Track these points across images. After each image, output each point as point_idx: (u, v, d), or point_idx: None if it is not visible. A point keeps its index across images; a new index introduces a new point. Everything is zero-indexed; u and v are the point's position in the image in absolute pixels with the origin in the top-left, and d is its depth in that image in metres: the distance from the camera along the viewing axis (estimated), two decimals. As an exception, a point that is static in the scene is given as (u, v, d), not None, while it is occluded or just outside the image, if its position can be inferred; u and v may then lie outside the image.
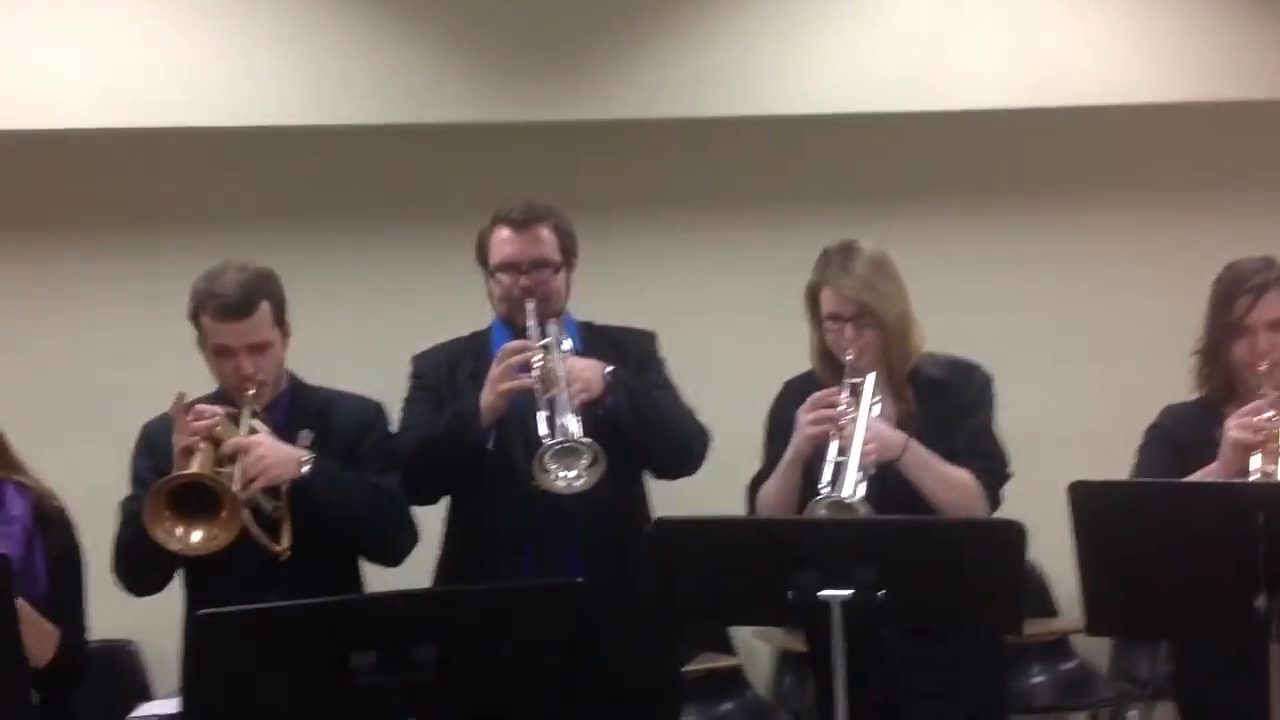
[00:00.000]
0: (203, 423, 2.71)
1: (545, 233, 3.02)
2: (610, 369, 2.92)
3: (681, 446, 3.04)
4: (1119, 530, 2.25)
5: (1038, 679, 4.48)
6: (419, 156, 4.34)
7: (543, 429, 2.78)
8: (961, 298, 4.27)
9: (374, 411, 3.02)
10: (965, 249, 4.59)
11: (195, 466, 2.65)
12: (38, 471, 2.80)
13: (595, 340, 3.12)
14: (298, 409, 2.95)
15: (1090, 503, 2.26)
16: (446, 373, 3.09)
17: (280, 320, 2.91)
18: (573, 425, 2.77)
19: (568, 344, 2.97)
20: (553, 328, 2.97)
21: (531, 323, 2.95)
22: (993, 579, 2.31)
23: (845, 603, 2.30)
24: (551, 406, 2.81)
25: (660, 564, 2.42)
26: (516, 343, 2.92)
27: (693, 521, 2.48)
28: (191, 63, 4.04)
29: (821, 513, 2.68)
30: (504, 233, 3.00)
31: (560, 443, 2.73)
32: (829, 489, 2.71)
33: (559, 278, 3.04)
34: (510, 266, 2.99)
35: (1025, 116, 4.48)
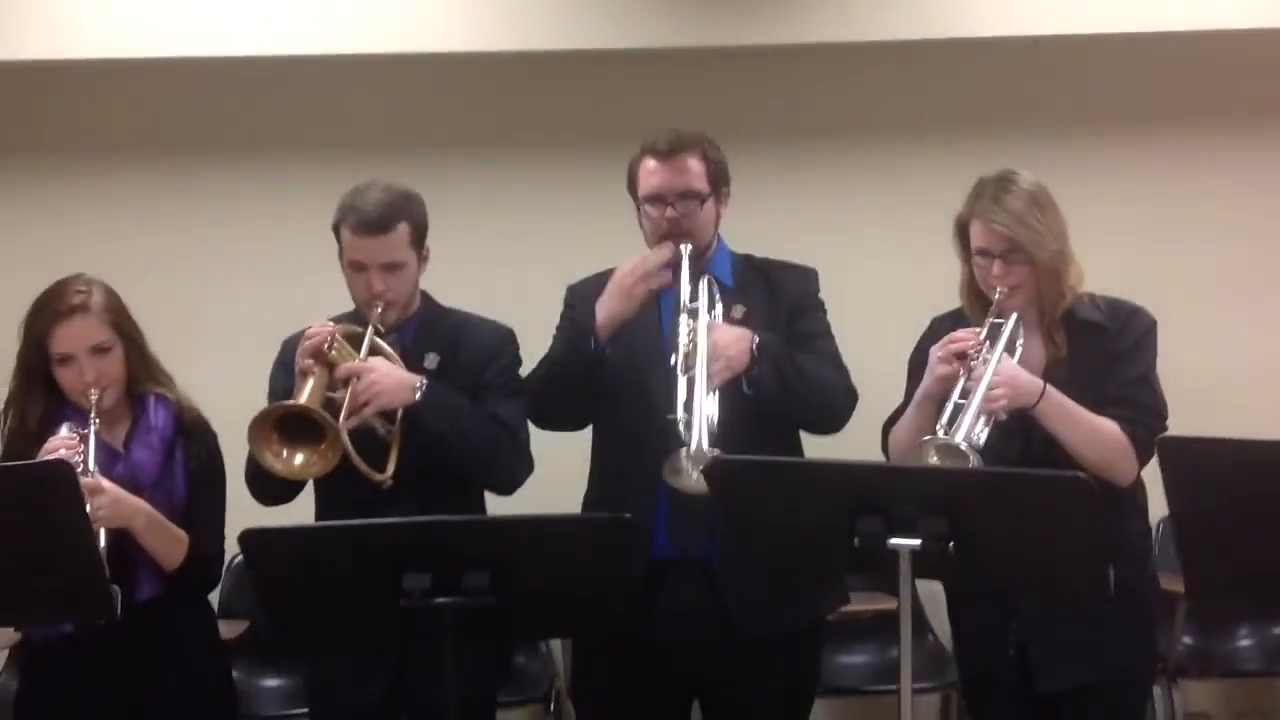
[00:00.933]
0: (310, 343, 2.77)
1: (692, 162, 2.95)
2: (757, 342, 2.83)
3: (824, 412, 2.96)
4: (1211, 493, 2.07)
5: (1244, 642, 4.21)
6: (574, 82, 4.32)
7: (680, 404, 2.74)
8: (1132, 234, 4.02)
9: (504, 337, 3.03)
10: (1138, 181, 4.32)
11: (308, 391, 2.73)
12: (186, 385, 2.95)
13: (751, 275, 3.06)
14: (428, 331, 2.98)
15: (1180, 460, 2.08)
16: (594, 304, 3.05)
17: (418, 243, 2.93)
18: (709, 408, 2.72)
19: (718, 310, 2.90)
20: (703, 291, 2.90)
21: (684, 281, 2.89)
22: (1069, 536, 2.16)
23: (915, 553, 2.20)
24: (690, 382, 2.76)
25: (725, 506, 2.37)
26: (647, 258, 2.88)
27: (749, 463, 2.42)
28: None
29: (931, 454, 2.60)
30: (650, 163, 2.95)
31: (690, 449, 2.67)
32: (942, 430, 2.62)
33: (707, 208, 2.97)
34: (656, 198, 2.94)
35: (1199, 40, 4.16)
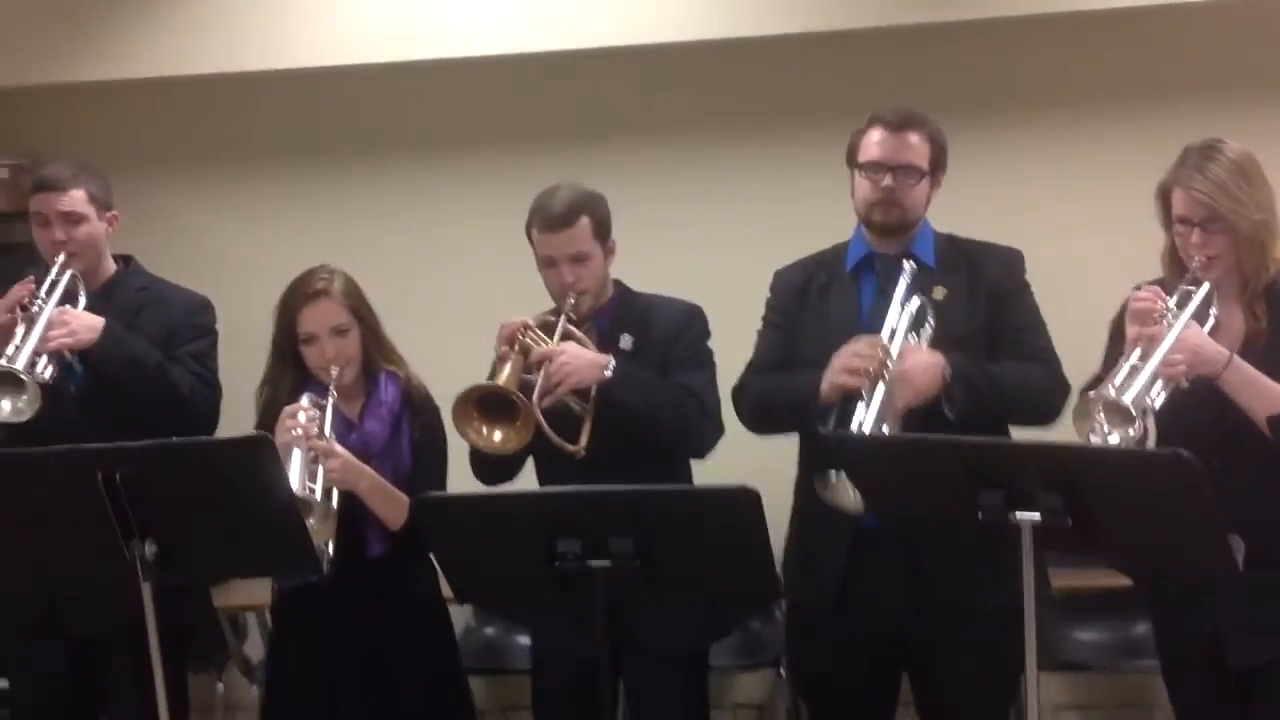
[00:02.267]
0: (505, 331, 3.03)
1: (916, 139, 3.04)
2: (949, 371, 2.87)
3: (1030, 415, 2.99)
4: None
5: None
6: (769, 66, 4.39)
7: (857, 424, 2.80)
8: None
9: (690, 314, 3.22)
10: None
11: (505, 374, 2.99)
12: (413, 364, 3.27)
13: (954, 255, 3.12)
14: (621, 316, 3.20)
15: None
16: (799, 291, 3.18)
17: (601, 236, 3.14)
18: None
19: (926, 332, 2.95)
20: (910, 310, 2.95)
21: (896, 299, 2.96)
22: (1179, 512, 2.16)
23: (1036, 527, 2.25)
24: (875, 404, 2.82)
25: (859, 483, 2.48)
26: (862, 343, 2.88)
27: (869, 438, 2.50)
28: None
29: (1098, 411, 2.60)
30: (876, 133, 3.05)
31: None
32: (1113, 389, 2.62)
33: (921, 187, 3.05)
34: (876, 165, 3.03)
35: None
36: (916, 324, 2.95)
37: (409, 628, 3.13)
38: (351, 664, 3.12)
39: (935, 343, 2.94)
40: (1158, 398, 2.62)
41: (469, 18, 4.31)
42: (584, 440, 3.00)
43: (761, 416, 3.13)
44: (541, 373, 2.97)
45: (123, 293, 3.38)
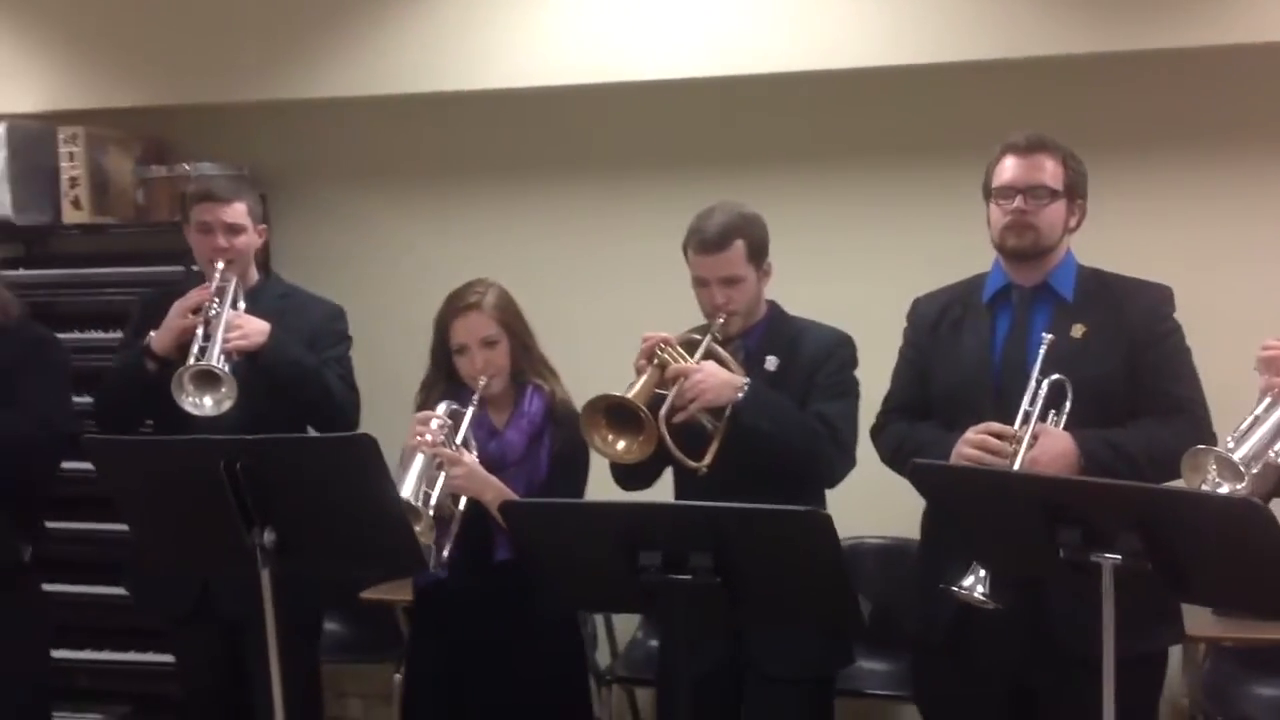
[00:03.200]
0: (645, 346, 3.10)
1: (1049, 163, 3.00)
2: (1082, 463, 2.81)
3: (1172, 477, 2.80)
4: None
5: None
6: (911, 96, 4.35)
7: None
8: None
9: (837, 341, 3.22)
10: None
11: (637, 388, 3.05)
12: (583, 379, 3.34)
13: (1097, 291, 3.05)
14: (770, 337, 3.23)
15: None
16: (933, 322, 3.17)
17: (756, 259, 3.18)
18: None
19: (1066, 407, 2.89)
20: (1044, 386, 2.89)
21: (1038, 365, 2.90)
22: (1254, 556, 2.05)
23: (1116, 567, 2.18)
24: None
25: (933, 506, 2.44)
26: (991, 432, 2.86)
27: (947, 469, 2.45)
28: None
29: (1210, 464, 2.50)
30: (1008, 159, 3.03)
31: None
32: (1232, 440, 2.54)
33: (1055, 209, 3.00)
34: (1007, 189, 3.01)
35: None
36: (1054, 402, 2.88)
37: (534, 633, 3.21)
38: (479, 664, 3.23)
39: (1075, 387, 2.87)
40: None
41: (653, 44, 4.38)
42: (709, 458, 3.03)
43: (896, 464, 3.10)
44: (675, 389, 3.02)
45: (265, 299, 3.62)
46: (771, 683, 3.11)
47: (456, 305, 3.29)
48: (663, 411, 3.01)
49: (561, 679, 3.30)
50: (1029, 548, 2.31)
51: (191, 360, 3.32)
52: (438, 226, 4.96)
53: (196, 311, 3.40)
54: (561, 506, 2.68)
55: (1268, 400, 2.57)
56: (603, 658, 4.48)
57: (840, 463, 3.11)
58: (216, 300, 3.42)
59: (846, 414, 3.15)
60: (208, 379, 3.30)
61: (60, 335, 3.73)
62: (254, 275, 3.70)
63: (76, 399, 3.67)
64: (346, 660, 4.64)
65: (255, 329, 3.41)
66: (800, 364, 3.18)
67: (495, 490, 3.12)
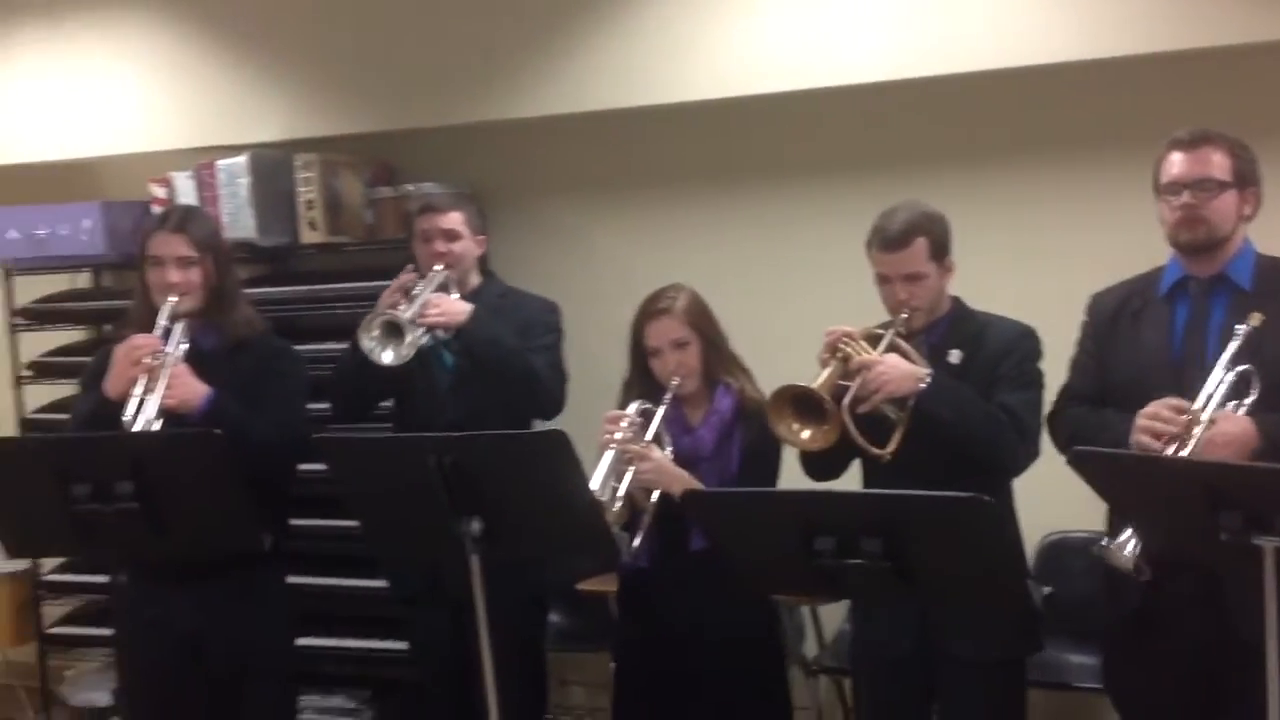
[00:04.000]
0: (828, 340, 3.23)
1: (1215, 155, 3.04)
2: (1260, 446, 2.81)
3: None
4: None
5: None
6: (1093, 90, 4.33)
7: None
8: None
9: (1021, 334, 3.30)
10: None
11: (822, 379, 3.18)
12: (760, 376, 3.53)
13: (1274, 278, 3.07)
14: (954, 331, 3.33)
15: None
16: (1112, 316, 3.23)
17: (938, 255, 3.28)
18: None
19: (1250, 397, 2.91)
20: (1229, 375, 2.92)
21: (1228, 354, 2.93)
22: None
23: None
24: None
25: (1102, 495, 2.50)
26: (1168, 406, 2.89)
27: (1107, 455, 2.50)
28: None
29: None
30: (1174, 155, 3.09)
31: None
32: None
33: (1224, 199, 3.04)
34: (1174, 184, 3.06)
35: None
36: (1239, 393, 2.90)
37: (731, 620, 3.37)
38: (680, 649, 3.41)
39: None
40: None
41: (848, 49, 4.49)
42: (892, 446, 3.15)
43: (1070, 448, 3.13)
44: (858, 380, 3.14)
45: (485, 298, 3.93)
46: (961, 666, 3.20)
47: (649, 310, 3.48)
48: (845, 401, 3.13)
49: (759, 667, 3.45)
50: (1190, 531, 2.36)
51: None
52: (641, 236, 5.18)
53: (404, 294, 3.70)
54: (738, 495, 2.85)
55: None
56: (811, 648, 4.61)
57: (1023, 452, 3.18)
58: (420, 285, 3.75)
59: (1030, 404, 3.22)
60: (394, 334, 3.62)
61: (301, 348, 4.05)
62: (474, 279, 4.00)
63: (315, 406, 3.99)
64: (568, 649, 4.88)
65: (454, 309, 3.73)
66: (984, 357, 3.26)
67: (684, 483, 3.30)
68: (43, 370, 5.55)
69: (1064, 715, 4.35)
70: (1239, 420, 2.85)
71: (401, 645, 4.48)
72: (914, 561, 2.54)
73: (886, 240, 3.27)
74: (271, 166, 5.19)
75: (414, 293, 3.74)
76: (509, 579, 3.56)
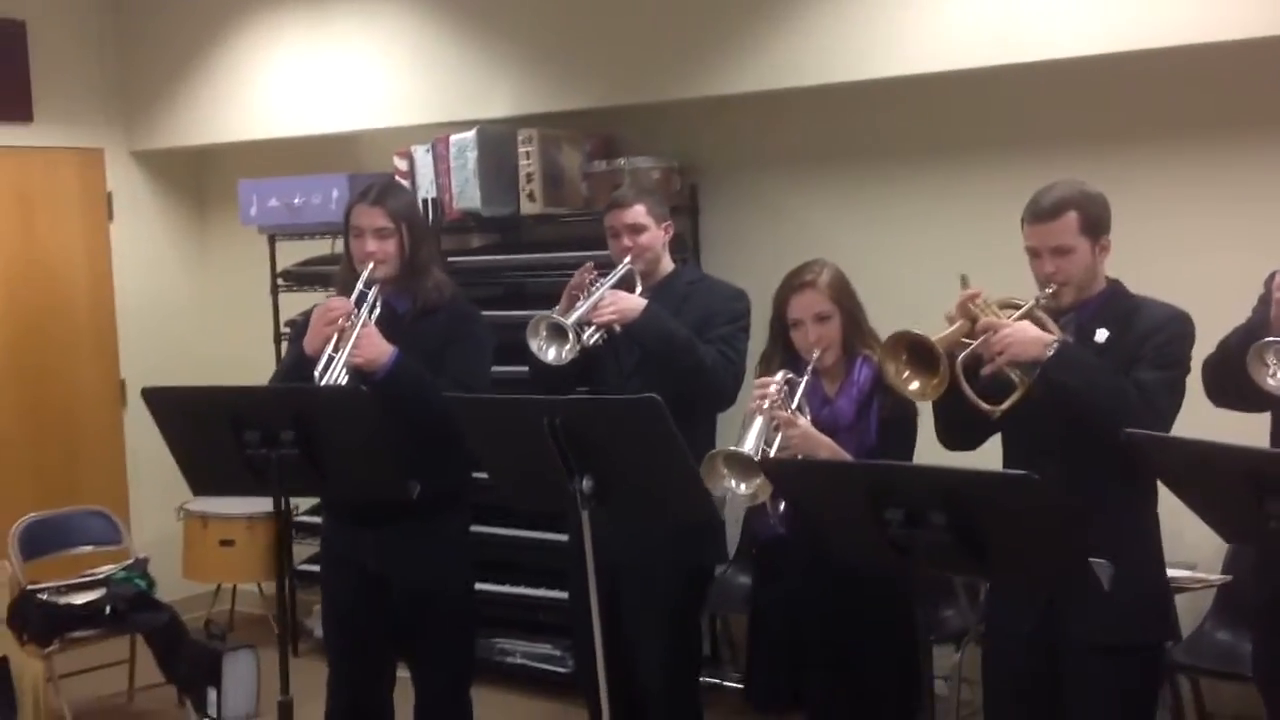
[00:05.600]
0: (959, 300, 3.24)
1: None
2: None
3: None
4: None
5: None
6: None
7: None
8: None
9: (1172, 317, 3.23)
10: None
11: (944, 333, 3.19)
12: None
13: None
14: (1105, 311, 3.27)
15: None
16: None
17: (1090, 232, 3.23)
18: None
19: None
20: None
21: None
22: None
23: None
24: None
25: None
26: None
27: (1156, 439, 2.45)
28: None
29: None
30: None
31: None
32: None
33: None
34: None
35: None
36: None
37: (861, 591, 3.42)
38: (813, 614, 3.50)
39: None
40: None
41: (1045, 23, 4.43)
42: (1005, 405, 3.14)
43: (1216, 365, 3.09)
44: (982, 339, 3.16)
45: (675, 285, 4.05)
46: (1082, 649, 3.18)
47: (793, 283, 3.58)
48: (961, 356, 3.15)
49: (889, 636, 3.51)
50: (1241, 517, 2.33)
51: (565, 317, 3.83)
52: (847, 211, 5.24)
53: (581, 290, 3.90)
54: (811, 465, 2.93)
55: None
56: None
57: (1151, 429, 3.11)
58: (600, 280, 3.91)
59: (1167, 383, 3.13)
60: (560, 334, 3.79)
61: (525, 313, 4.12)
62: (666, 265, 4.12)
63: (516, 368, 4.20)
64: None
65: (628, 306, 3.85)
66: (1132, 337, 3.20)
67: (829, 450, 3.38)
68: (301, 329, 6.05)
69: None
70: None
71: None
72: (979, 535, 2.57)
73: (1037, 212, 3.26)
74: (496, 141, 5.50)
75: (594, 288, 3.90)
76: (667, 546, 3.76)
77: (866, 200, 5.22)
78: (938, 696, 4.42)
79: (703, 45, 5.12)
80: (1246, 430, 3.06)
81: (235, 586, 6.53)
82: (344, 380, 3.68)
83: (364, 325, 3.77)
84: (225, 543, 6.09)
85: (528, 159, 5.43)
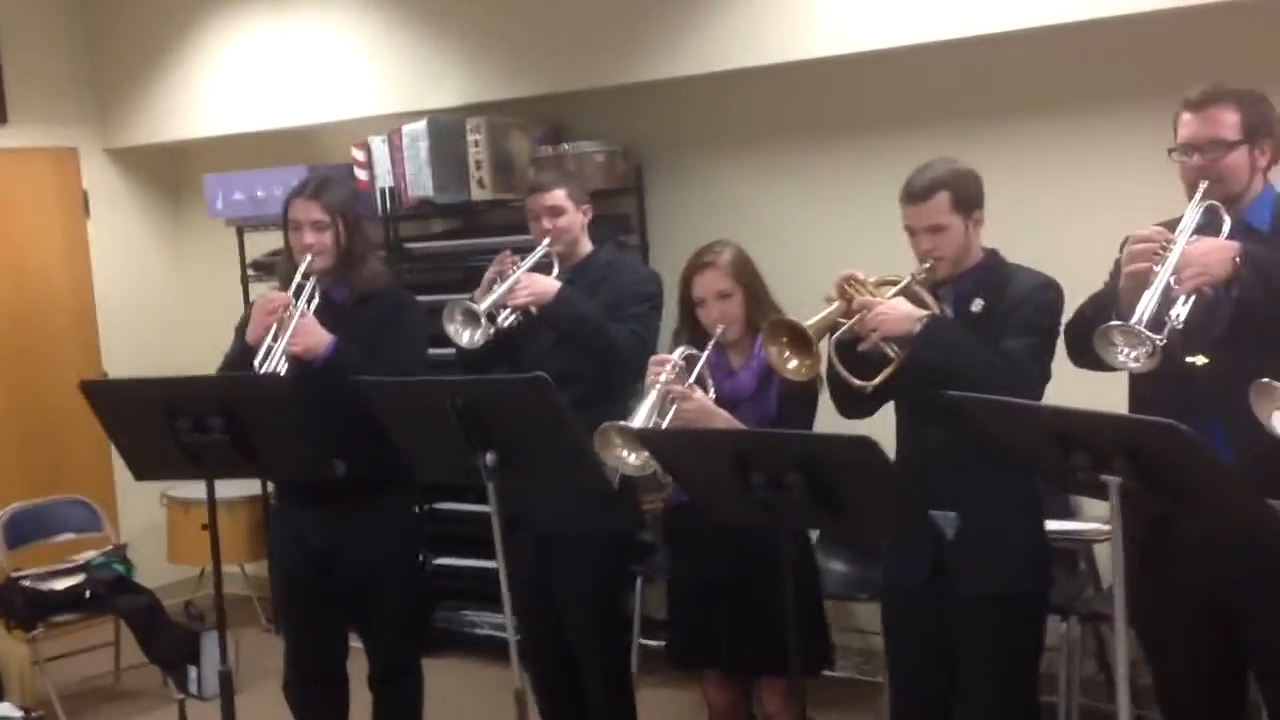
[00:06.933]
0: (836, 281, 3.41)
1: (1225, 114, 3.09)
2: (1239, 251, 2.92)
3: None
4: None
5: None
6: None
7: (1143, 308, 2.88)
8: None
9: (1040, 285, 3.39)
10: None
11: (817, 316, 3.38)
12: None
13: None
14: (981, 281, 3.43)
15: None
16: None
17: (961, 209, 3.39)
18: (1176, 310, 2.88)
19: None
20: (1196, 208, 3.05)
21: (1192, 207, 3.06)
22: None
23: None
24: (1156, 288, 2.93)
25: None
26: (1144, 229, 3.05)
27: (975, 399, 2.65)
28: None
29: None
30: (1184, 116, 3.15)
31: (1123, 325, 2.86)
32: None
33: (1235, 156, 3.08)
34: (1186, 147, 3.12)
35: None
36: (1211, 228, 2.99)
37: (767, 555, 3.58)
38: (723, 576, 3.69)
39: None
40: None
41: (949, 4, 4.62)
42: (877, 380, 3.35)
43: (1076, 329, 3.25)
44: (857, 319, 3.34)
45: (592, 267, 4.23)
46: (972, 601, 3.35)
47: (696, 263, 3.76)
48: (834, 336, 3.35)
49: (793, 592, 3.67)
50: (1051, 468, 2.50)
51: (478, 303, 4.01)
52: (786, 187, 5.42)
53: (500, 274, 4.08)
54: (680, 435, 3.12)
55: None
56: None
57: (1019, 395, 3.27)
58: (519, 263, 4.07)
59: (1032, 350, 3.31)
60: (471, 317, 3.99)
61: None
62: (585, 247, 4.28)
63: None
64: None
65: (543, 288, 4.03)
66: (1003, 305, 3.37)
67: (724, 421, 3.56)
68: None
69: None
70: (1214, 239, 2.94)
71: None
72: (833, 493, 2.75)
73: (911, 193, 3.43)
74: (447, 130, 5.69)
75: (508, 273, 4.07)
76: (584, 515, 3.95)
77: (804, 177, 5.38)
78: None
79: (645, 31, 5.29)
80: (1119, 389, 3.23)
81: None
82: (284, 368, 3.87)
83: (302, 315, 3.96)
84: (206, 527, 6.27)
85: (476, 146, 5.62)
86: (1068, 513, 4.35)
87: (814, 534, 4.75)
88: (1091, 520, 4.20)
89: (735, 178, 5.55)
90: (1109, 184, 4.64)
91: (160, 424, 3.53)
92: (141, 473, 3.70)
